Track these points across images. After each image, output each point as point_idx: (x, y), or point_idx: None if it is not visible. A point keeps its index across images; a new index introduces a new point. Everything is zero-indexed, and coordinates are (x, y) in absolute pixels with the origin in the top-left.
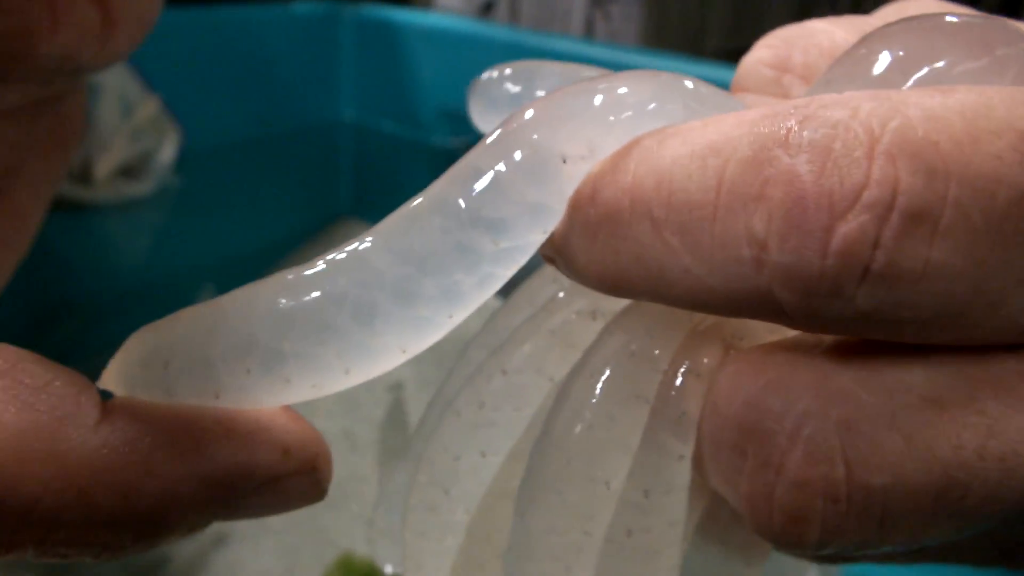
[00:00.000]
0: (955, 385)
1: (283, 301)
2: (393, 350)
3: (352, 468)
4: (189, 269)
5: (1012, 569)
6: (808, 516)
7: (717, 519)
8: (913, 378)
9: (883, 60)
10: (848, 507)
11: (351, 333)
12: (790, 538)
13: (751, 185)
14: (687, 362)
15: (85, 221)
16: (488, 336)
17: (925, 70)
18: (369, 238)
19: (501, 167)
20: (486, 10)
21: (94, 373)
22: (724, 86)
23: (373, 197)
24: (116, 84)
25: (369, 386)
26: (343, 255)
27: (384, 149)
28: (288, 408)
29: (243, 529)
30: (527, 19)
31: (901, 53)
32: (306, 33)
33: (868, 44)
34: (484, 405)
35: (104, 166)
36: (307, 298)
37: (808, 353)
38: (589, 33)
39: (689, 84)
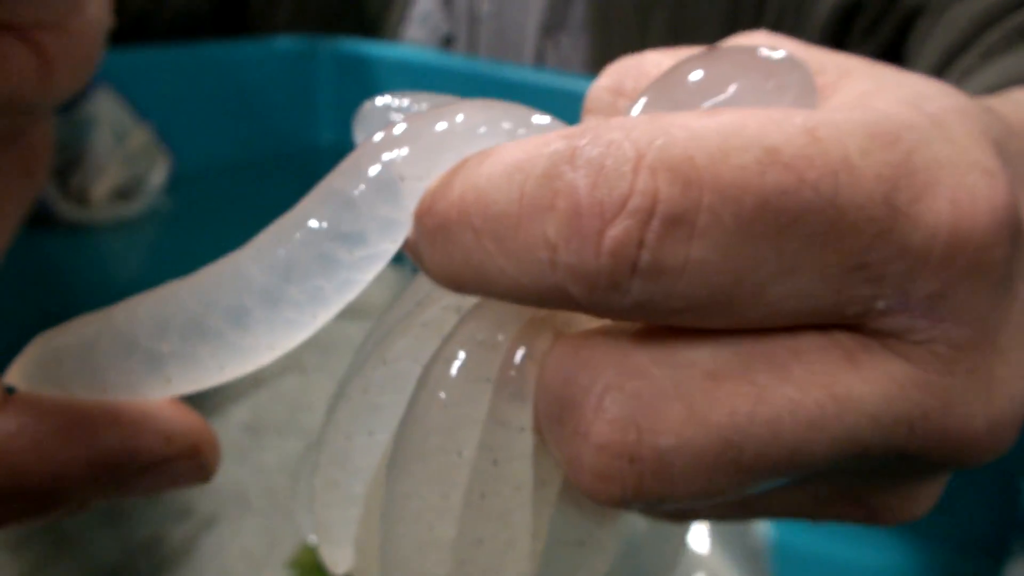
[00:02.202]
0: (732, 360)
1: (163, 307)
2: (262, 349)
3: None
4: None
5: (826, 519)
6: (611, 475)
7: (572, 486)
8: (698, 355)
9: (686, 83)
10: (643, 466)
11: (224, 334)
12: (600, 495)
13: (545, 197)
14: (523, 347)
15: (82, 240)
16: (378, 330)
17: (716, 96)
18: (241, 252)
19: (353, 188)
20: (447, 43)
21: None
22: None
23: None
24: (110, 114)
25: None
26: (218, 266)
27: None
28: (175, 400)
29: (228, 512)
30: (484, 50)
31: (698, 80)
32: (287, 66)
33: (676, 70)
34: (368, 391)
35: (100, 189)
36: (184, 304)
37: (615, 337)
38: (540, 61)
39: (522, 112)
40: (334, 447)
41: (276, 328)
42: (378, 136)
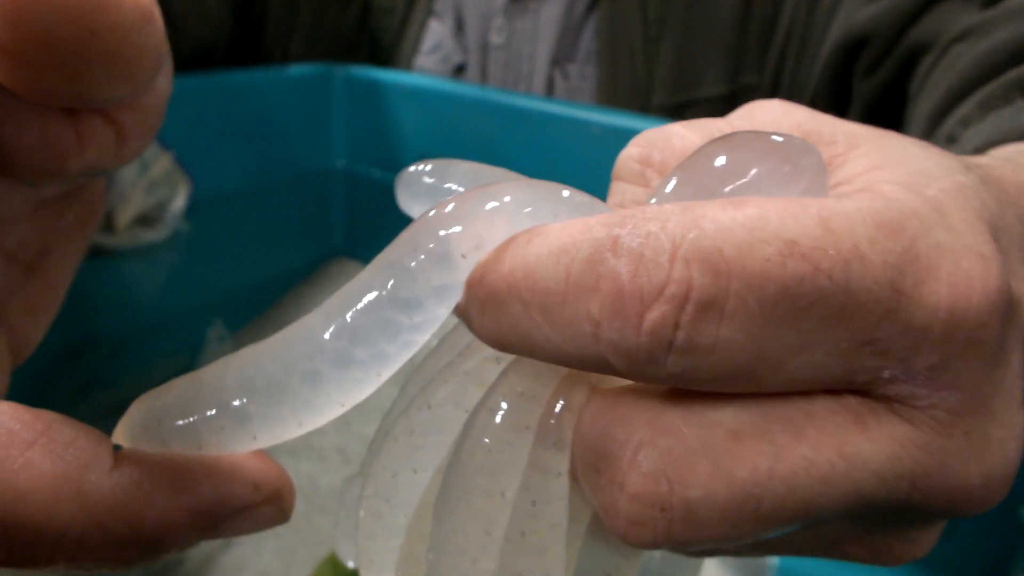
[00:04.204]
0: (754, 421)
1: (248, 372)
2: (335, 405)
3: (344, 477)
4: (199, 305)
5: (833, 558)
6: (644, 522)
7: (600, 522)
8: (722, 416)
9: (710, 168)
10: (673, 515)
11: (302, 395)
12: (633, 538)
13: (589, 279)
14: (562, 399)
15: (107, 265)
16: (421, 375)
17: (738, 180)
18: (313, 317)
19: (412, 260)
20: (458, 71)
21: (117, 399)
22: None
23: (363, 237)
24: None
25: (360, 408)
26: (293, 332)
27: (372, 194)
28: (259, 451)
29: None
30: (494, 79)
31: (722, 164)
32: (301, 92)
33: (702, 153)
34: (414, 433)
35: (124, 216)
36: (266, 369)
37: (647, 396)
38: (550, 91)
39: (563, 193)
40: (380, 482)
41: (346, 387)
42: (433, 212)
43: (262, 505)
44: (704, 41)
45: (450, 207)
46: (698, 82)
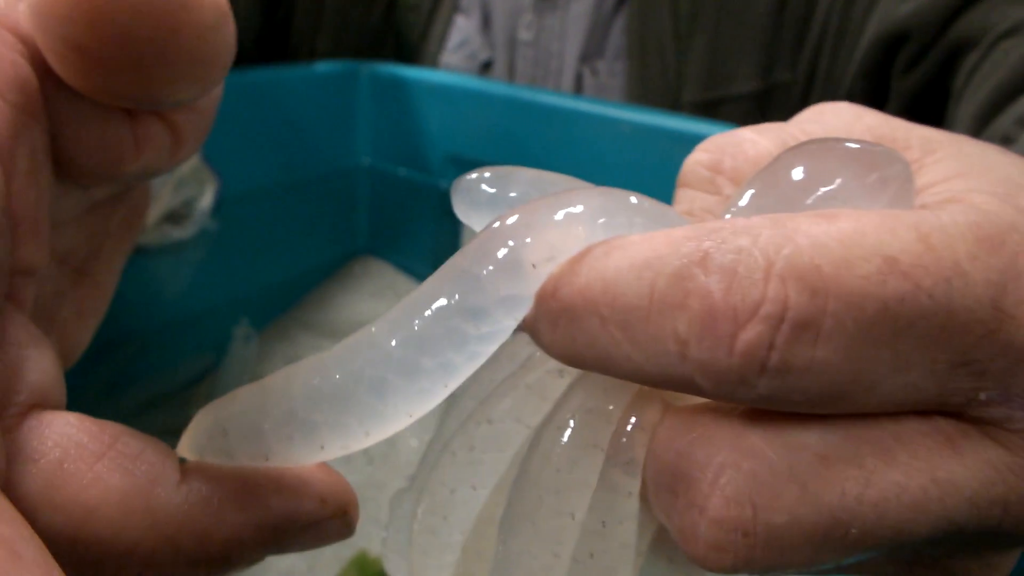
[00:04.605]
0: (842, 445)
1: (314, 380)
2: (402, 415)
3: (368, 477)
4: (226, 302)
5: None
6: (725, 547)
7: (665, 540)
8: (809, 438)
9: (790, 179)
10: (755, 540)
11: (368, 404)
12: (712, 564)
13: (676, 296)
14: (634, 417)
15: (136, 263)
16: (476, 387)
17: (821, 190)
18: (379, 325)
19: (481, 269)
20: (485, 68)
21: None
22: (698, 141)
23: (388, 235)
24: None
25: None
26: (359, 339)
27: (398, 192)
28: (324, 464)
29: None
30: (522, 76)
31: (804, 174)
32: (327, 90)
33: (781, 162)
34: (474, 448)
35: (152, 214)
36: (332, 377)
37: (728, 414)
38: (578, 88)
39: (633, 200)
40: (437, 498)
41: (411, 397)
42: (502, 220)
43: (329, 520)
44: (737, 36)
45: (520, 216)
46: (730, 78)
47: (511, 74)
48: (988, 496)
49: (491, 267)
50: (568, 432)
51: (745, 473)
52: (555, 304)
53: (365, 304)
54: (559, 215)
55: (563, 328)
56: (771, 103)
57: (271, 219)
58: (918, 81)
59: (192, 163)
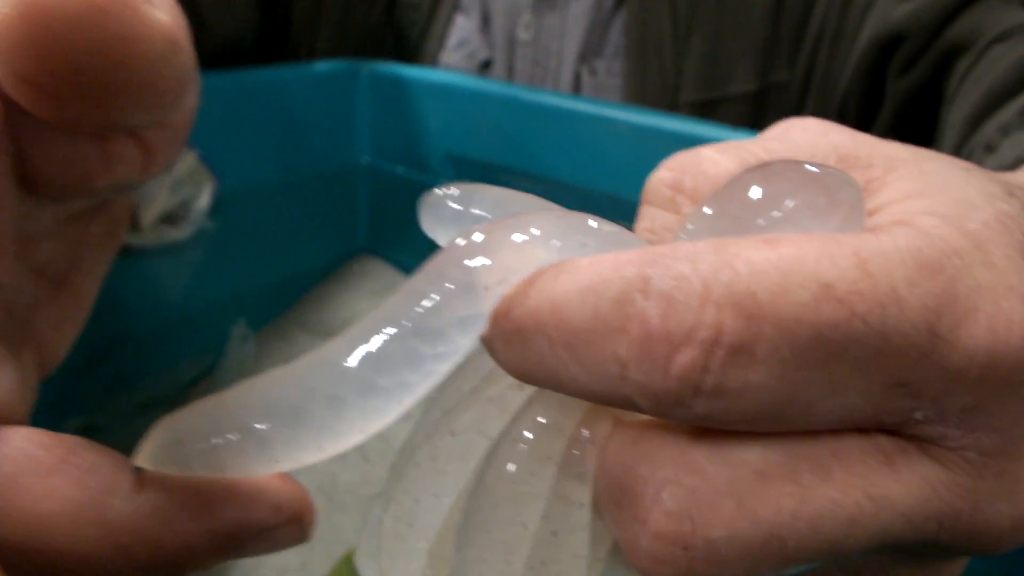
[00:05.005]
0: (781, 462)
1: (270, 396)
2: (356, 432)
3: (363, 475)
4: (224, 303)
5: None
6: (666, 560)
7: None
8: (748, 455)
9: (745, 199)
10: (695, 553)
11: (323, 421)
12: (654, 575)
13: (617, 320)
14: (586, 431)
15: (133, 263)
16: (443, 400)
17: (773, 212)
18: (337, 343)
19: (436, 290)
20: (485, 67)
21: (143, 397)
22: (695, 142)
23: (388, 234)
24: None
25: None
26: (317, 357)
27: (397, 191)
28: (280, 473)
29: None
30: (521, 75)
31: (756, 196)
32: (326, 89)
33: (735, 184)
34: (437, 459)
35: (149, 215)
36: (289, 393)
37: (674, 431)
38: (577, 87)
39: (591, 223)
40: (402, 507)
41: (367, 414)
42: (460, 241)
43: (283, 527)
44: (735, 37)
45: (477, 237)
46: (728, 79)
47: (510, 73)
48: (923, 512)
49: (447, 287)
50: (523, 445)
51: (685, 488)
52: (507, 324)
53: (364, 303)
54: (515, 237)
55: (515, 347)
56: (768, 104)
57: (269, 219)
58: (913, 84)
59: (189, 163)
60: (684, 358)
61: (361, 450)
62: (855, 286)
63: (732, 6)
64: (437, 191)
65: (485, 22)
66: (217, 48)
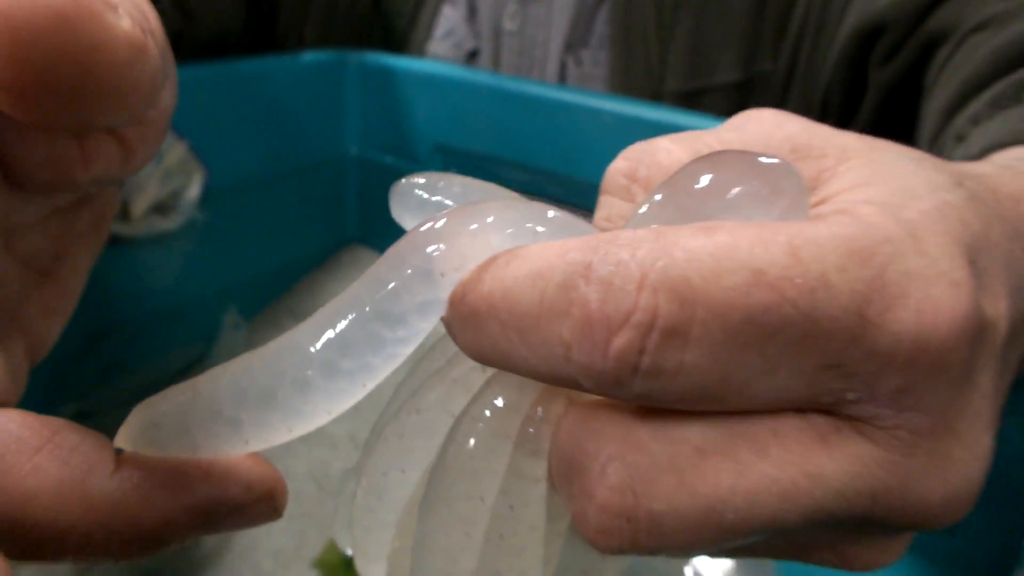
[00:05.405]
0: (720, 439)
1: (240, 381)
2: (321, 413)
3: (353, 462)
4: (214, 292)
5: (805, 561)
6: (611, 531)
7: None
8: (689, 432)
9: (692, 188)
10: (638, 525)
11: (291, 403)
12: (601, 546)
13: (561, 304)
14: (541, 410)
15: (124, 253)
16: (412, 380)
17: (717, 201)
18: (303, 329)
19: (396, 277)
20: (471, 57)
21: (136, 385)
22: (680, 131)
23: (377, 224)
24: None
25: (371, 397)
26: (284, 343)
27: (386, 181)
28: (253, 453)
29: None
30: (507, 66)
31: (702, 185)
32: (314, 79)
33: (683, 173)
34: (404, 436)
35: (140, 205)
36: (257, 377)
37: (622, 410)
38: (562, 77)
39: (549, 213)
40: (372, 481)
41: (332, 396)
42: (420, 228)
43: (255, 504)
44: (719, 27)
45: (436, 224)
46: (712, 68)
47: (496, 64)
48: (855, 488)
49: (406, 273)
50: (482, 423)
51: (628, 464)
52: (463, 308)
53: None
54: (472, 224)
55: (471, 331)
56: (752, 93)
57: (259, 209)
58: (894, 74)
59: (179, 154)
60: (621, 340)
61: (353, 438)
62: (786, 272)
63: None
64: (404, 180)
65: (471, 12)
66: (205, 39)
